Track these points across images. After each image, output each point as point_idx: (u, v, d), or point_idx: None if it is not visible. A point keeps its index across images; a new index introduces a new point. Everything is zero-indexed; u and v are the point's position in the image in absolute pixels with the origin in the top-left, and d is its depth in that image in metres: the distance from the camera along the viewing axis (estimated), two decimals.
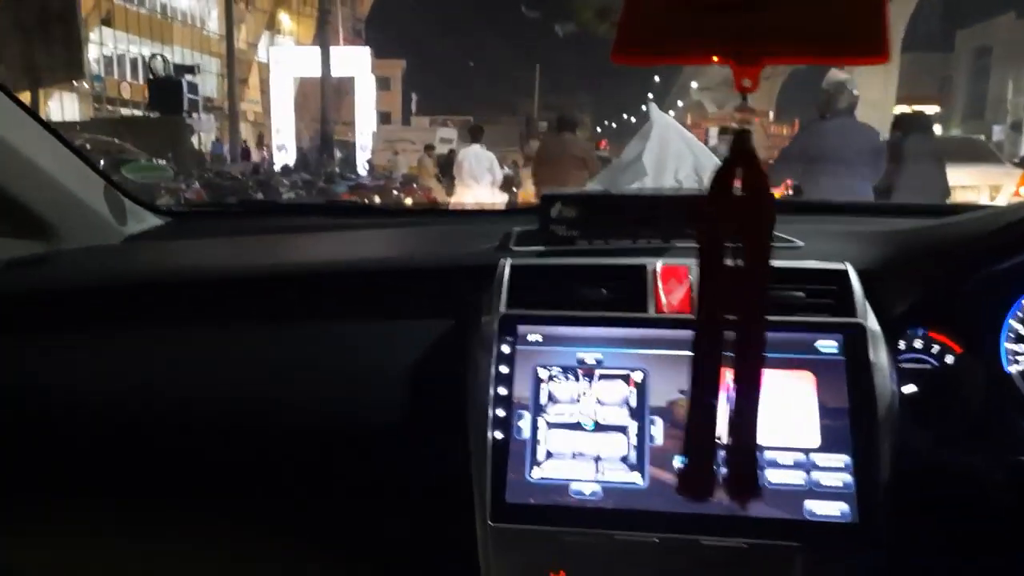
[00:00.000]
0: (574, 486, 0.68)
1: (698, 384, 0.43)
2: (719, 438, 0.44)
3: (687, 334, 0.69)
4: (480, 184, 6.36)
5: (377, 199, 8.98)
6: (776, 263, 0.74)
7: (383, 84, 33.90)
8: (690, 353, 0.69)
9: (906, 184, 3.98)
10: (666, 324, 0.71)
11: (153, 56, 16.17)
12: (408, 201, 9.75)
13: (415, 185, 10.88)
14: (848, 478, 0.64)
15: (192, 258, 0.99)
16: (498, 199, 6.63)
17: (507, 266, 0.77)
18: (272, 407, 0.77)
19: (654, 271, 0.74)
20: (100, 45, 22.44)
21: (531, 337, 0.72)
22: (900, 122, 4.65)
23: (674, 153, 0.86)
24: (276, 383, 0.78)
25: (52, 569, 0.81)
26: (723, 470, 0.44)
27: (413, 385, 0.76)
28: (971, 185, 6.74)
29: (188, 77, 13.58)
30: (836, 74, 3.34)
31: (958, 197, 6.49)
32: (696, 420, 0.44)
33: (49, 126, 0.92)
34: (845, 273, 0.73)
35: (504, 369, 0.71)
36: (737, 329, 0.42)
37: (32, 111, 0.89)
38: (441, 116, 33.43)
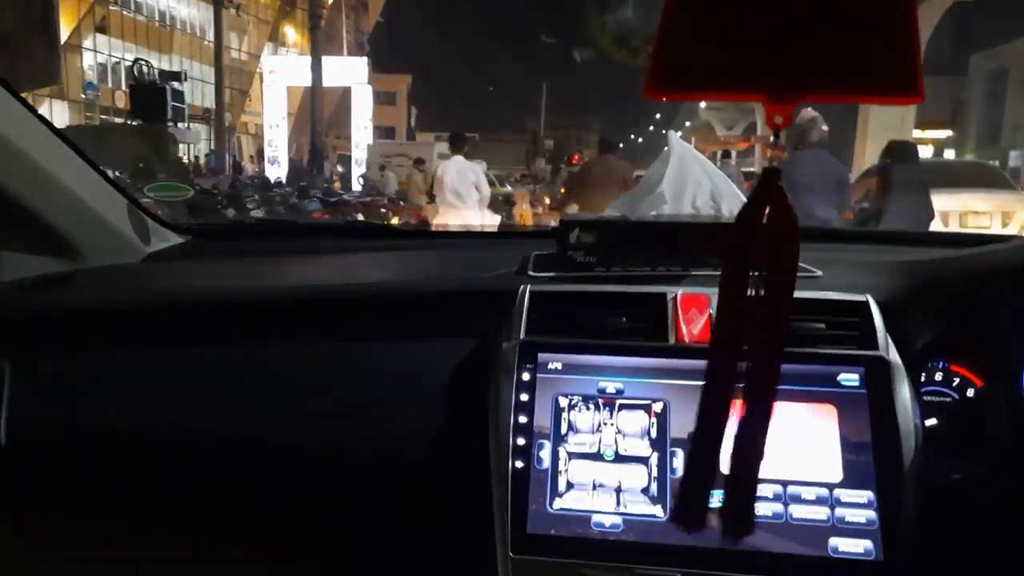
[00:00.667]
0: (595, 518, 0.68)
1: (705, 412, 0.44)
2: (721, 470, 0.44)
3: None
4: (465, 202, 5.54)
5: (360, 216, 8.85)
6: (796, 293, 0.75)
7: (388, 99, 34.24)
8: None
9: (890, 209, 4.30)
10: (687, 354, 0.72)
11: (136, 60, 15.55)
12: (394, 220, 9.56)
13: (402, 203, 10.58)
14: (872, 514, 0.65)
15: (214, 279, 1.01)
16: (487, 221, 5.98)
17: (527, 292, 0.78)
18: (289, 430, 0.78)
19: (674, 300, 0.75)
20: (94, 52, 22.04)
21: (551, 365, 0.73)
22: (889, 150, 4.88)
23: (693, 180, 0.87)
24: (295, 406, 0.79)
25: None
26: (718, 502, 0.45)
27: (434, 412, 0.77)
28: (983, 211, 6.75)
29: (174, 84, 12.83)
30: (808, 111, 3.68)
31: (969, 223, 6.55)
32: (698, 449, 0.45)
33: (75, 145, 0.94)
34: (866, 305, 0.74)
35: (524, 397, 0.72)
36: (752, 359, 0.43)
37: (58, 130, 0.91)
38: (446, 132, 33.76)
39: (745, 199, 0.88)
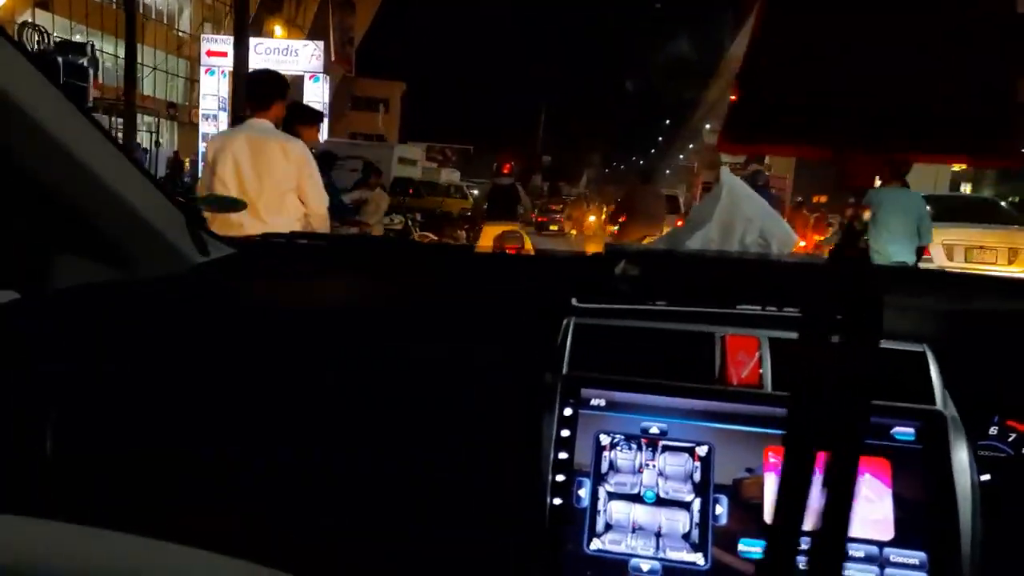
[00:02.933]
0: (633, 562, 0.69)
1: (791, 467, 0.44)
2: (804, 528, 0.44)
3: (756, 409, 0.72)
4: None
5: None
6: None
7: (381, 106, 34.48)
8: (759, 430, 0.72)
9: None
10: (735, 397, 0.74)
11: (23, 24, 13.46)
12: None
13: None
14: None
15: (258, 293, 1.05)
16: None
17: (571, 326, 0.79)
18: (318, 452, 0.79)
19: (723, 341, 0.77)
20: (36, 30, 20.39)
21: (594, 401, 0.75)
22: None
23: (743, 217, 0.90)
24: (325, 428, 0.80)
25: None
26: (802, 562, 0.44)
27: (470, 443, 0.77)
28: (989, 246, 6.95)
29: (73, 58, 10.39)
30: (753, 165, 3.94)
31: (975, 258, 6.76)
32: (785, 506, 0.44)
33: (130, 154, 0.96)
34: (923, 356, 0.75)
35: (566, 433, 0.73)
36: (837, 411, 0.43)
37: (113, 139, 0.94)
38: (438, 144, 33.97)
39: (796, 238, 0.90)
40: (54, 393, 0.84)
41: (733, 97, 0.42)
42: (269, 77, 3.12)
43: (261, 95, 2.95)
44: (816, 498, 0.44)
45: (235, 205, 1.43)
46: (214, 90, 17.70)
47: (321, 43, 19.56)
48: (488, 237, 6.16)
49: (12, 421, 0.82)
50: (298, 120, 3.41)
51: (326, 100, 20.13)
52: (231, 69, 16.21)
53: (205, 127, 17.23)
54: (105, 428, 0.83)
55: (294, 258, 1.29)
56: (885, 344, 0.77)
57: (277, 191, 2.83)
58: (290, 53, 18.74)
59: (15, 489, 0.82)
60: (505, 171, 6.65)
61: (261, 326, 0.91)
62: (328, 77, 19.58)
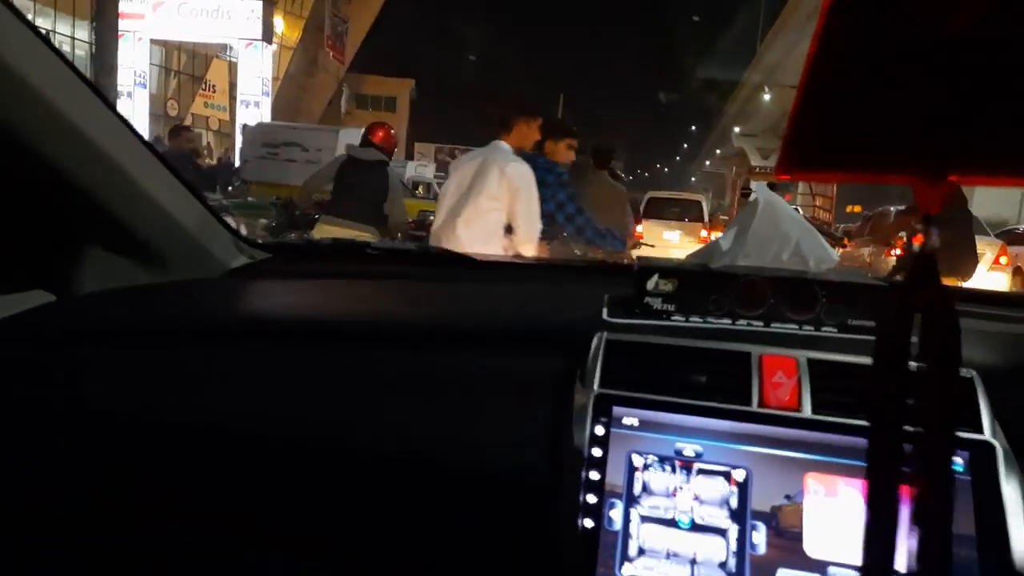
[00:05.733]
0: None
1: (876, 505, 0.44)
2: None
3: (795, 433, 0.74)
4: None
5: None
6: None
7: (388, 104, 34.73)
8: (798, 455, 0.74)
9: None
10: (772, 420, 0.75)
11: None
12: None
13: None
14: None
15: (289, 299, 1.09)
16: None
17: (603, 341, 0.82)
18: (342, 464, 0.82)
19: (759, 360, 0.79)
20: None
21: (627, 421, 0.77)
22: None
23: (780, 233, 0.92)
24: (346, 442, 0.83)
25: None
26: None
27: (496, 461, 0.80)
28: None
29: None
30: None
31: None
32: (874, 549, 0.44)
33: (163, 157, 1.01)
34: (971, 382, 0.77)
35: (597, 452, 0.75)
36: (921, 442, 0.43)
37: (148, 143, 0.99)
38: (448, 145, 34.13)
39: (835, 256, 0.92)
40: (89, 395, 0.88)
41: (792, 118, 0.41)
42: (512, 98, 3.25)
43: (503, 116, 3.08)
44: (904, 537, 0.43)
45: (265, 210, 1.49)
46: (129, 61, 15.17)
47: (260, 3, 17.07)
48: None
49: (48, 424, 0.86)
50: (548, 134, 3.43)
51: (268, 75, 17.85)
52: (152, 36, 14.57)
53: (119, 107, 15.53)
54: (133, 426, 0.86)
55: (329, 263, 1.33)
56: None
57: (478, 211, 2.89)
58: (220, 15, 16.30)
59: (44, 495, 0.86)
60: (376, 139, 4.45)
61: (283, 334, 0.94)
62: (267, 45, 17.41)
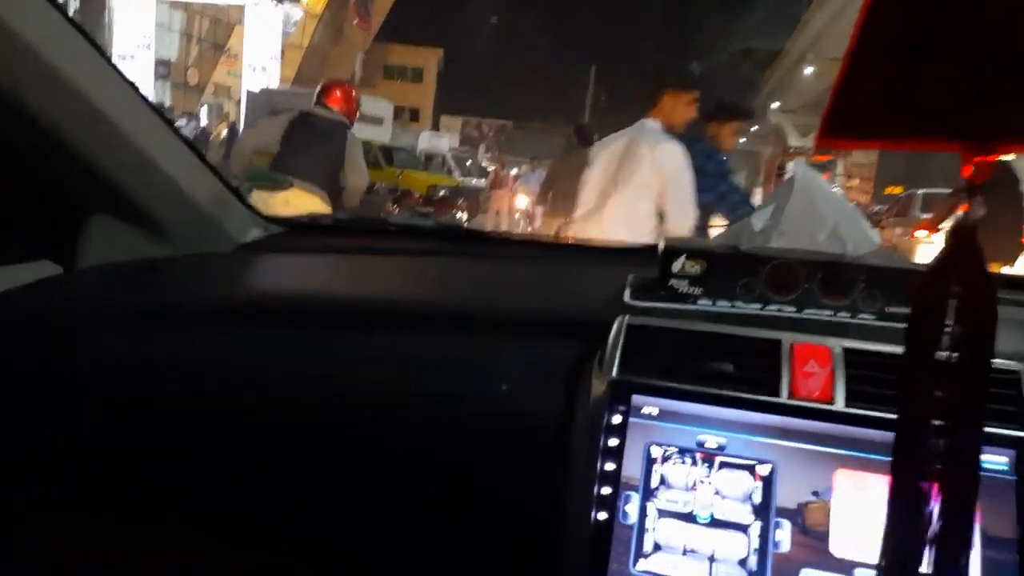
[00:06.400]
0: None
1: (898, 500, 0.43)
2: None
3: (826, 427, 0.71)
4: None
5: None
6: None
7: (415, 75, 34.63)
8: (828, 449, 0.71)
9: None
10: (803, 413, 0.72)
11: None
12: None
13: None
14: None
15: (301, 275, 1.09)
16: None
17: (624, 325, 0.79)
18: (347, 448, 0.81)
19: (790, 349, 0.76)
20: None
21: (646, 410, 0.74)
22: None
23: (818, 214, 0.88)
24: (354, 421, 0.82)
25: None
26: None
27: (508, 447, 0.78)
28: None
29: None
30: None
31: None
32: (896, 548, 0.44)
33: (175, 129, 1.01)
34: (1017, 376, 0.73)
35: (613, 442, 0.72)
36: (948, 436, 0.42)
37: (161, 112, 0.98)
38: (475, 118, 34.02)
39: (876, 239, 0.87)
40: (97, 368, 0.87)
41: (837, 84, 0.39)
42: (660, 69, 2.95)
43: (652, 90, 2.74)
44: (929, 535, 0.42)
45: (282, 183, 1.50)
46: (131, 20, 13.77)
47: None
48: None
49: (52, 397, 0.86)
50: (712, 116, 3.10)
51: (277, 37, 16.87)
52: None
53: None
54: (139, 403, 0.86)
55: (346, 239, 1.33)
56: None
57: (627, 200, 2.67)
58: None
59: (47, 471, 0.86)
60: (332, 103, 3.90)
61: (291, 312, 0.93)
62: (277, 4, 16.96)
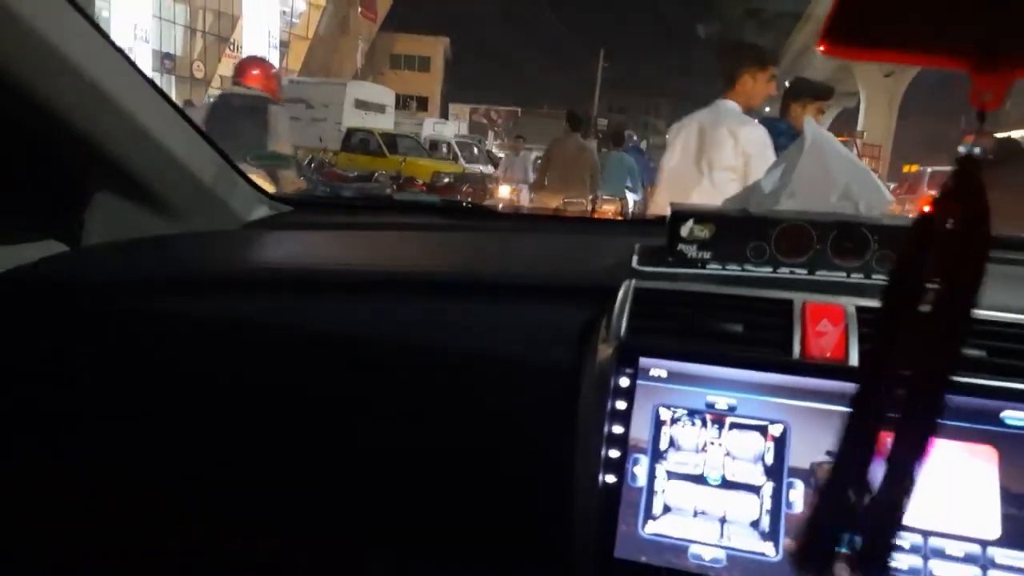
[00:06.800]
0: (694, 548, 0.68)
1: (849, 439, 0.43)
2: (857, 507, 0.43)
3: (840, 386, 0.70)
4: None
5: None
6: None
7: (422, 64, 34.55)
8: (842, 408, 0.70)
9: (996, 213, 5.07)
10: (816, 372, 0.71)
11: None
12: None
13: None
14: None
15: (308, 252, 1.10)
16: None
17: (631, 288, 0.78)
18: (356, 420, 0.82)
19: (803, 308, 0.75)
20: None
21: (654, 372, 0.73)
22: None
23: (830, 173, 0.86)
24: (365, 393, 0.82)
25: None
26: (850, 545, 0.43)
27: (515, 412, 0.78)
28: None
29: None
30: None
31: None
32: (834, 481, 0.43)
33: (179, 108, 1.02)
34: (1021, 330, 0.72)
35: (621, 405, 0.72)
36: (911, 385, 0.41)
37: (163, 92, 0.99)
38: (483, 105, 33.90)
39: (890, 197, 0.85)
40: (100, 346, 0.88)
41: None
42: (735, 46, 2.86)
43: (724, 69, 2.66)
44: (879, 480, 0.42)
45: (286, 162, 1.51)
46: (127, 12, 13.16)
47: None
48: None
49: (58, 374, 0.87)
50: (793, 97, 3.04)
51: (275, 27, 16.34)
52: None
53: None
54: (142, 380, 0.87)
55: (352, 216, 1.33)
56: (993, 315, 0.74)
57: (713, 184, 2.60)
58: None
59: (54, 444, 0.87)
60: (249, 81, 3.76)
61: (299, 287, 0.93)
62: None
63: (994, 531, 0.65)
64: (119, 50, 0.93)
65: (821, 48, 0.39)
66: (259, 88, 3.78)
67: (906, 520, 0.42)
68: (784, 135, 2.76)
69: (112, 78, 0.91)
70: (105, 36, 0.90)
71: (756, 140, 2.58)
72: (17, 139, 0.95)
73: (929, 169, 10.53)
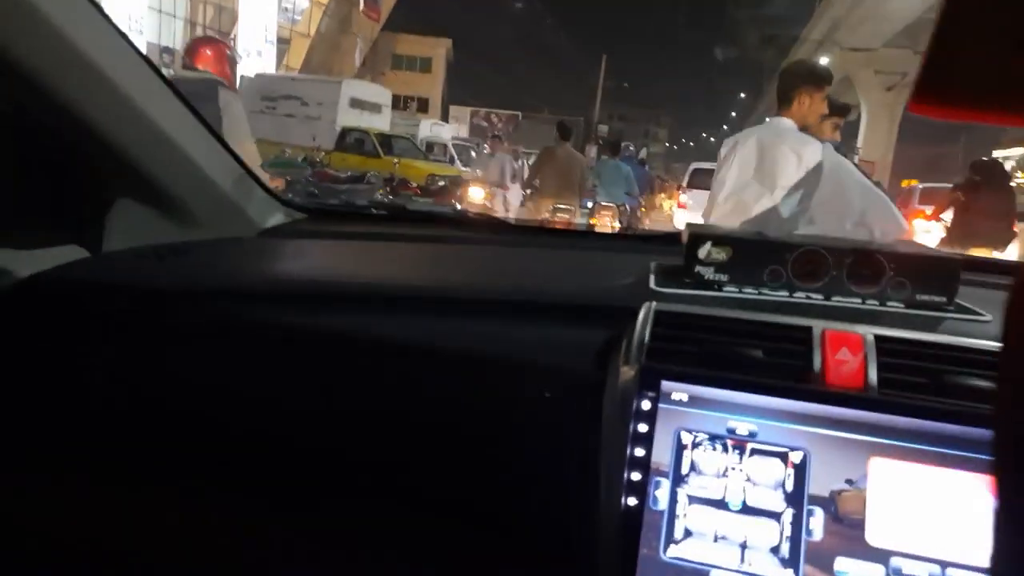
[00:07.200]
0: (715, 574, 0.69)
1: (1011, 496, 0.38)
2: None
3: (859, 414, 0.71)
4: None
5: None
6: (963, 341, 0.74)
7: (423, 65, 34.55)
8: (862, 437, 0.71)
9: (974, 230, 5.49)
10: (836, 400, 0.72)
11: None
12: None
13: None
14: None
15: (323, 262, 1.11)
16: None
17: (651, 311, 0.79)
18: (366, 435, 0.82)
19: (822, 335, 0.76)
20: None
21: (675, 396, 0.74)
22: (974, 167, 6.02)
23: (848, 200, 0.88)
24: (374, 407, 0.83)
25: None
26: None
27: (536, 436, 0.79)
28: None
29: None
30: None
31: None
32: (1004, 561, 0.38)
33: (199, 115, 1.02)
34: None
35: (643, 428, 0.73)
36: None
37: (185, 99, 0.99)
38: (484, 108, 33.92)
39: (904, 226, 0.86)
40: (118, 351, 0.89)
41: (931, 46, 0.36)
42: (795, 68, 2.86)
43: (782, 89, 2.70)
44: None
45: (301, 169, 1.52)
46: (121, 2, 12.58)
47: None
48: None
49: (76, 379, 0.88)
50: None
51: (272, 22, 16.06)
52: None
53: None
54: (157, 388, 0.88)
55: (366, 225, 1.34)
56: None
57: (774, 198, 2.71)
58: None
59: (70, 450, 0.87)
60: (199, 62, 3.36)
61: (313, 298, 0.94)
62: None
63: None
64: (144, 58, 0.94)
65: (910, 108, 0.39)
66: (212, 71, 3.33)
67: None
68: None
69: (138, 86, 0.92)
70: (127, 39, 0.91)
71: (818, 158, 2.70)
72: (45, 146, 0.96)
73: (921, 185, 10.76)
